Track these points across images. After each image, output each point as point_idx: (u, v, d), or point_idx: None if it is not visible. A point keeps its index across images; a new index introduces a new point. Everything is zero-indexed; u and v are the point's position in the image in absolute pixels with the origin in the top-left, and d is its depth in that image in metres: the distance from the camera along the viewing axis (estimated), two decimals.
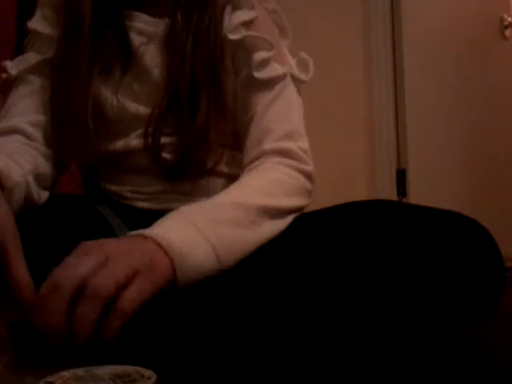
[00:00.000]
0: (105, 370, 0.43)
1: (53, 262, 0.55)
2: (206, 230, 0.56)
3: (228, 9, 0.75)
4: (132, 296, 0.48)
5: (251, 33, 0.74)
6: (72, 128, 0.73)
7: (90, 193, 0.82)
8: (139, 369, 0.42)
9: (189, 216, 0.57)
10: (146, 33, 0.75)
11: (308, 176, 0.72)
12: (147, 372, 0.42)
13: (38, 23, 0.76)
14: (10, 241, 0.50)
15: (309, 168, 0.73)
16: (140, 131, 0.74)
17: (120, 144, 0.76)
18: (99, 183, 0.80)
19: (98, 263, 0.47)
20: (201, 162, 0.74)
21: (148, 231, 0.54)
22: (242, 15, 0.75)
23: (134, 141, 0.75)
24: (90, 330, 0.46)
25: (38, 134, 0.74)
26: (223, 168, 0.78)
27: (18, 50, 0.79)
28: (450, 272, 0.57)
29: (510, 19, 2.44)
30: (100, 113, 0.74)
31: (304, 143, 0.75)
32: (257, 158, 0.72)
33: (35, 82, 0.76)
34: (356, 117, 2.05)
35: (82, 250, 0.50)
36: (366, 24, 2.08)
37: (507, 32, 2.44)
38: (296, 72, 0.77)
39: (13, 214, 0.53)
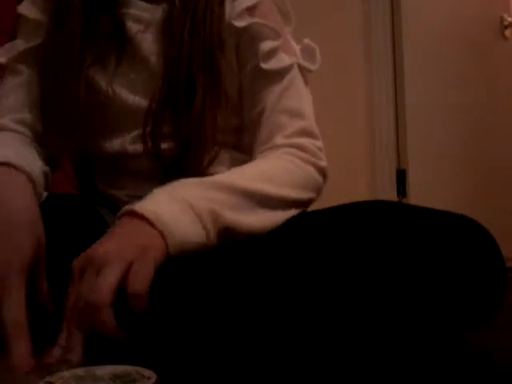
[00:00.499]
0: (105, 370, 0.43)
1: (51, 262, 0.56)
2: (197, 205, 0.57)
3: None
4: (138, 277, 0.50)
5: (257, 20, 0.72)
6: (64, 120, 0.71)
7: (86, 194, 0.81)
8: (139, 369, 0.42)
9: (182, 192, 0.58)
10: (142, 20, 0.72)
11: (321, 171, 0.71)
12: (147, 372, 0.42)
13: (27, 8, 0.74)
14: (43, 253, 0.57)
15: (323, 163, 0.71)
16: (136, 132, 0.72)
17: (116, 144, 0.74)
18: (95, 185, 0.79)
19: (93, 282, 0.50)
20: (198, 156, 0.71)
21: (138, 207, 0.56)
22: (245, 1, 0.72)
23: (131, 144, 0.73)
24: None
25: (27, 133, 0.73)
26: (222, 170, 0.74)
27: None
28: (451, 273, 0.57)
29: (510, 19, 2.44)
30: (94, 105, 0.72)
31: (318, 142, 0.73)
32: (267, 150, 0.71)
33: (24, 72, 0.74)
34: (356, 117, 2.05)
35: (78, 272, 0.52)
36: (366, 24, 2.08)
37: (507, 32, 2.44)
38: (302, 61, 0.75)
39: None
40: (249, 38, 0.72)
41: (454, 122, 2.20)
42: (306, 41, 0.77)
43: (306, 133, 0.72)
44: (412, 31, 2.10)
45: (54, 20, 0.72)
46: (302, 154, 0.70)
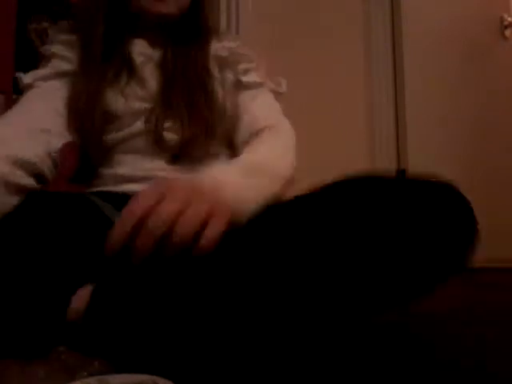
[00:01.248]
0: (119, 380, 0.42)
1: (50, 257, 0.57)
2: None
3: (214, 41, 0.93)
4: (212, 235, 0.56)
5: (236, 50, 0.93)
6: (82, 123, 0.84)
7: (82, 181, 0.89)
8: (155, 378, 0.42)
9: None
10: (145, 55, 0.91)
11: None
12: (162, 381, 0.42)
13: (57, 48, 0.90)
14: None
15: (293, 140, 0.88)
16: (143, 118, 0.85)
17: (124, 132, 0.85)
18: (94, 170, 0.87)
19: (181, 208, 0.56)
20: (194, 137, 0.84)
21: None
22: (228, 43, 0.94)
23: (137, 127, 0.85)
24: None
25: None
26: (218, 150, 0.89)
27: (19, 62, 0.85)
28: (419, 225, 0.57)
29: (510, 19, 2.45)
30: (109, 111, 0.86)
31: (287, 123, 0.91)
32: (254, 134, 0.85)
33: (45, 86, 0.86)
34: (356, 117, 2.05)
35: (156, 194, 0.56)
36: (366, 24, 2.09)
37: (507, 32, 2.45)
38: (273, 86, 0.95)
39: None
40: (229, 63, 0.93)
41: (454, 121, 2.20)
42: (276, 78, 0.97)
43: (277, 117, 0.91)
44: (412, 31, 2.10)
45: (80, 58, 0.88)
46: (281, 135, 0.86)
